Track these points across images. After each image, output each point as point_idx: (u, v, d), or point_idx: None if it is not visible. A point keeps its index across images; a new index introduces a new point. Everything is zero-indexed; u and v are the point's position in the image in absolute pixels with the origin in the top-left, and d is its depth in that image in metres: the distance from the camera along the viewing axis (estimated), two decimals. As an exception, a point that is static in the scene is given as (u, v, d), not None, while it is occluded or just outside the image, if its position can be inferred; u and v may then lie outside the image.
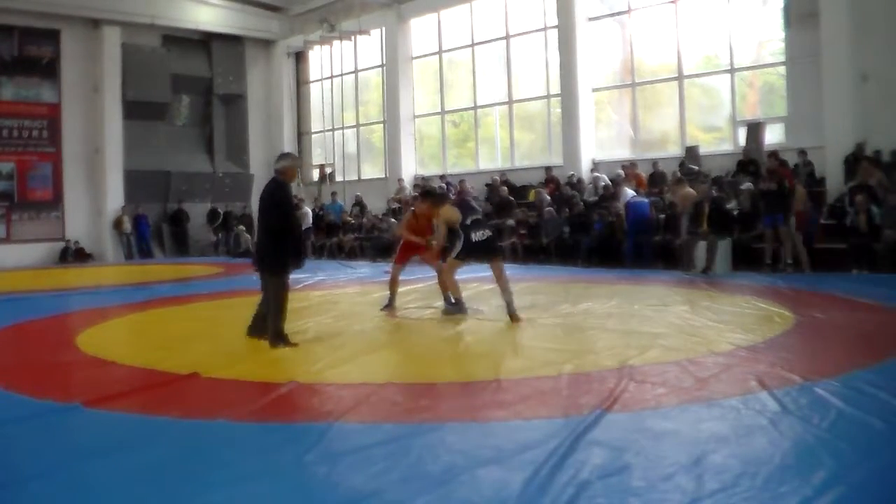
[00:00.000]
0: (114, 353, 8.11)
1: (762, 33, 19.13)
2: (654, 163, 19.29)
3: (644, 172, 19.32)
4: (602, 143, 21.63)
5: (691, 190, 15.27)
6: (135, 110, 27.14)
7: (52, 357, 8.21)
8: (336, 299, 12.32)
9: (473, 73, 24.81)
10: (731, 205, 15.93)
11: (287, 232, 7.97)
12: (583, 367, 6.58)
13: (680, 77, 19.99)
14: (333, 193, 25.91)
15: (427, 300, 11.63)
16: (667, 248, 16.04)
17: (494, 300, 11.35)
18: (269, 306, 8.06)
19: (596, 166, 20.85)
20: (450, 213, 9.97)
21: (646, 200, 16.95)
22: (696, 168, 17.87)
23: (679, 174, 16.80)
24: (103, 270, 22.03)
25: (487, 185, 22.60)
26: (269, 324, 8.07)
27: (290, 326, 9.52)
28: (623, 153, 21.05)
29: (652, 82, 20.89)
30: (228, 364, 7.29)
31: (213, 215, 28.25)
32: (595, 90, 21.53)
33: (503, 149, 24.36)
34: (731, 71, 19.10)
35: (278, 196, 8.06)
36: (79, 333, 9.57)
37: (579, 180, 20.28)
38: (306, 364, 7.16)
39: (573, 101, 21.22)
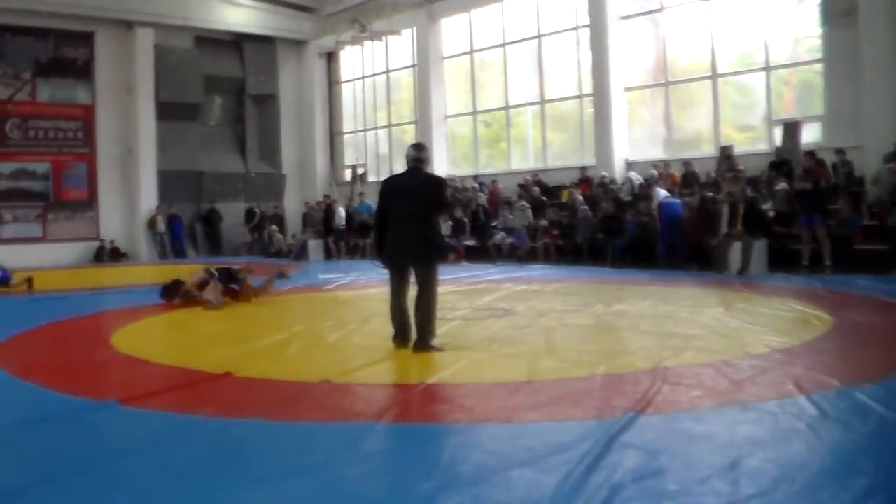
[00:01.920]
0: (148, 351, 8.19)
1: (798, 30, 18.93)
2: (687, 162, 19.14)
3: (677, 172, 19.19)
4: (635, 143, 21.51)
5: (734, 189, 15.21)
6: (168, 111, 27.39)
7: (87, 355, 8.30)
8: (368, 298, 12.36)
9: (505, 72, 24.76)
10: (767, 205, 15.78)
11: (436, 221, 8.05)
12: (616, 369, 6.54)
13: (714, 76, 19.83)
14: (361, 194, 25.96)
15: (459, 303, 11.61)
16: (701, 249, 15.90)
17: (527, 301, 11.34)
18: (425, 303, 7.78)
19: (629, 166, 20.74)
20: None
21: (678, 201, 16.83)
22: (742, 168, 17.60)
23: (722, 173, 16.80)
24: (137, 270, 22.23)
25: (520, 185, 22.56)
26: (426, 322, 7.80)
27: (326, 326, 9.58)
28: (656, 153, 20.92)
29: (685, 81, 20.73)
30: (261, 363, 7.34)
31: (249, 215, 28.41)
32: (627, 89, 21.41)
33: (535, 149, 24.30)
34: (767, 69, 18.91)
35: (437, 184, 8.06)
36: (114, 332, 9.66)
37: (612, 180, 20.17)
38: (339, 363, 7.17)
39: (605, 100, 21.13)
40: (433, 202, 7.84)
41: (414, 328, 7.84)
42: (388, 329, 8.00)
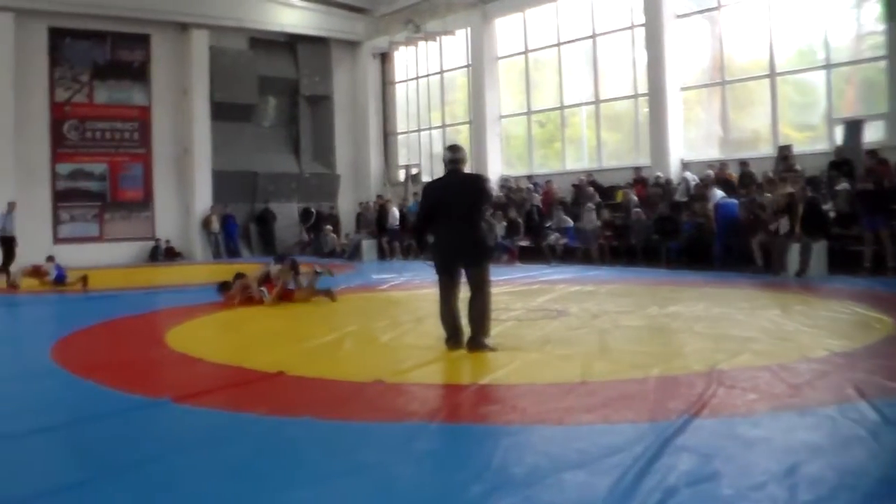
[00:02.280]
0: (201, 350, 8.29)
1: (860, 27, 18.57)
2: (744, 163, 18.84)
3: (734, 173, 18.93)
4: (691, 143, 21.28)
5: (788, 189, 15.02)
6: (222, 112, 27.71)
7: (142, 353, 8.43)
8: (421, 298, 12.41)
9: (559, 72, 24.66)
10: (827, 206, 15.52)
11: (482, 221, 8.21)
12: (670, 371, 6.49)
13: (772, 74, 19.52)
14: (415, 194, 26.01)
15: (513, 303, 11.60)
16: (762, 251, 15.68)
17: (581, 302, 11.29)
18: (480, 304, 7.88)
19: (684, 166, 20.53)
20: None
21: (735, 201, 16.62)
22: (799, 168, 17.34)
23: (779, 173, 16.58)
24: (191, 269, 22.52)
25: (574, 185, 22.46)
26: (481, 322, 7.88)
27: (379, 326, 9.64)
28: (712, 153, 20.67)
29: (743, 80, 20.44)
30: (314, 362, 7.41)
31: (305, 215, 28.65)
32: (683, 89, 21.19)
33: (590, 149, 24.16)
34: (828, 66, 18.57)
35: (477, 179, 8.18)
36: (168, 330, 9.82)
37: (667, 181, 19.99)
38: (393, 363, 7.21)
39: (661, 100, 20.94)
40: (477, 200, 7.91)
41: (467, 328, 7.87)
42: (442, 330, 8.02)
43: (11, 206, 19.05)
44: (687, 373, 6.41)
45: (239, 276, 13.08)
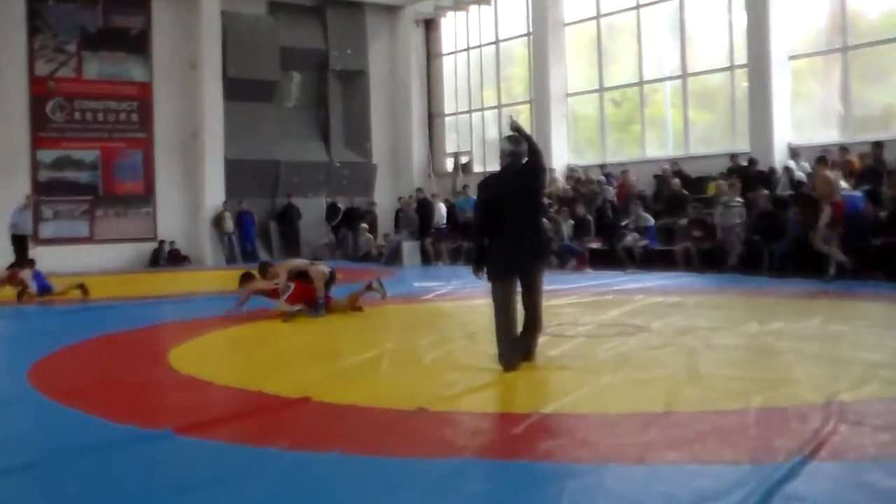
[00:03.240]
0: (212, 371, 8.35)
1: None
2: (878, 144, 18.34)
3: (858, 159, 18.57)
4: (801, 124, 21.01)
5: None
6: (237, 90, 27.92)
7: (139, 375, 8.47)
8: (473, 310, 12.41)
9: (639, 41, 24.54)
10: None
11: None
12: (776, 401, 6.39)
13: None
14: (465, 186, 26.02)
15: (581, 317, 11.55)
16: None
17: (665, 316, 11.19)
18: (538, 313, 8.08)
19: (792, 152, 20.24)
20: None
21: (859, 194, 16.34)
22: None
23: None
24: (201, 275, 22.71)
25: (656, 176, 22.31)
26: (538, 333, 8.14)
27: (422, 343, 9.63)
28: (829, 135, 20.41)
29: (871, 44, 20.13)
30: (346, 386, 7.42)
31: (332, 211, 28.83)
32: (792, 58, 20.92)
33: (675, 132, 24.01)
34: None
35: (536, 165, 8.26)
36: (172, 348, 9.87)
37: (771, 170, 19.72)
38: (439, 388, 7.20)
39: (764, 72, 20.67)
40: (536, 189, 8.13)
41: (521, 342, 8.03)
42: (492, 349, 8.06)
43: (28, 201, 19.09)
44: (797, 404, 6.30)
45: (247, 276, 13.15)
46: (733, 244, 17.54)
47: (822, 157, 16.68)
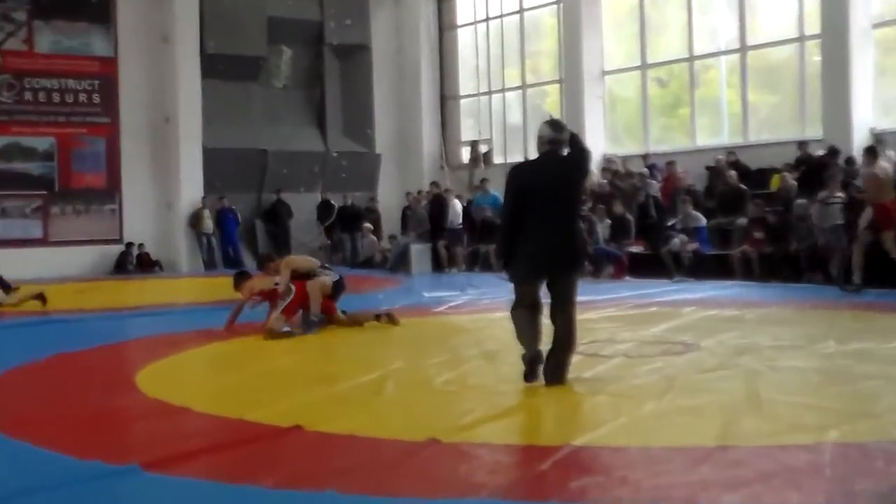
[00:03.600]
0: (186, 396, 8.32)
1: None
2: None
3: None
4: (888, 106, 20.96)
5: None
6: (218, 67, 27.97)
7: (102, 401, 8.48)
8: (493, 324, 12.41)
9: (689, 8, 24.51)
10: None
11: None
12: (857, 436, 6.33)
13: None
14: (484, 181, 25.93)
15: (619, 333, 11.53)
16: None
17: (718, 333, 11.15)
18: (570, 324, 8.22)
19: (876, 139, 20.13)
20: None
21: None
22: None
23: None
24: (175, 284, 22.76)
25: (709, 168, 22.25)
26: (570, 349, 8.26)
27: (433, 363, 9.61)
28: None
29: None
30: (344, 413, 7.40)
31: (324, 209, 28.85)
32: (877, 26, 20.84)
33: (732, 116, 23.98)
34: None
35: (580, 157, 8.44)
36: (140, 369, 9.86)
37: (849, 160, 19.61)
38: (452, 415, 7.19)
39: (841, 43, 20.54)
40: (576, 184, 8.34)
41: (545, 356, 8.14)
42: (520, 366, 8.07)
43: None
44: (883, 439, 6.25)
45: (242, 275, 13.17)
46: (834, 249, 17.26)
47: (871, 149, 16.47)
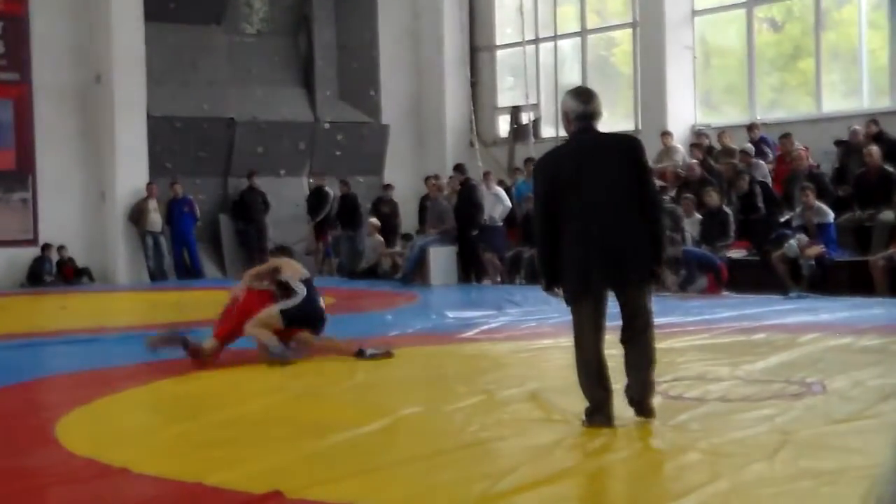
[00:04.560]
0: (125, 452, 8.30)
1: None
2: None
3: None
4: None
5: None
6: (168, 6, 28.20)
7: (8, 461, 8.44)
8: (534, 357, 12.50)
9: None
10: None
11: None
12: None
13: None
14: (528, 161, 25.90)
15: (715, 368, 11.54)
16: None
17: (851, 368, 11.11)
18: (645, 344, 8.41)
19: None
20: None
21: None
22: None
23: None
24: (109, 300, 22.80)
25: (840, 142, 22.17)
26: (650, 372, 8.52)
27: (459, 407, 9.62)
28: None
29: None
30: (338, 475, 7.38)
31: (316, 198, 28.94)
32: None
33: (875, 71, 23.98)
34: None
35: (639, 154, 8.62)
36: (61, 416, 9.86)
37: None
38: (484, 479, 7.13)
39: None
40: (631, 176, 8.39)
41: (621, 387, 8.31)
42: (576, 403, 8.13)
43: None
44: None
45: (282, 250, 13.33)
46: None
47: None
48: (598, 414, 8.20)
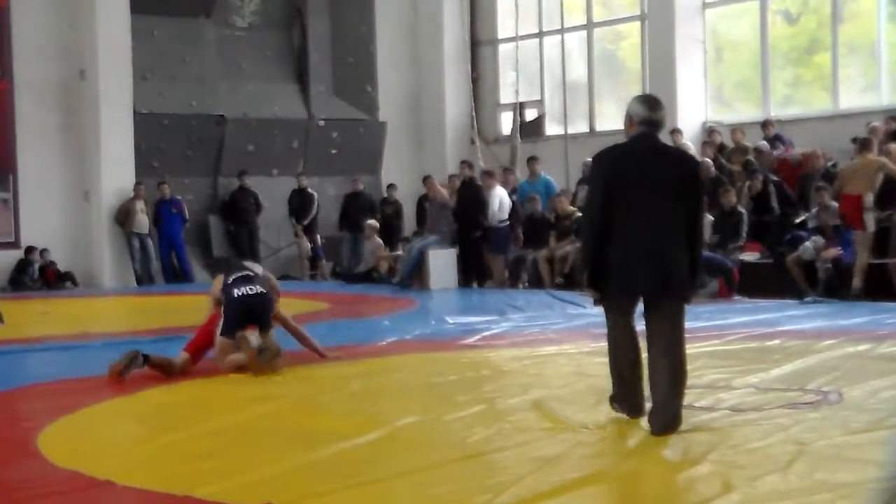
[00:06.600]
0: (110, 464, 8.32)
1: None
2: None
3: None
4: None
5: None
6: (155, 0, 28.11)
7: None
8: (538, 365, 12.50)
9: None
10: None
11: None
12: None
13: None
14: (532, 160, 25.87)
15: (726, 376, 11.54)
16: None
17: (870, 378, 11.11)
18: (677, 362, 8.56)
19: None
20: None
21: None
22: None
23: None
24: (94, 305, 22.78)
25: (856, 140, 22.15)
26: (679, 390, 8.70)
27: (460, 416, 9.62)
28: None
29: None
30: (332, 489, 7.39)
31: (300, 200, 28.97)
32: None
33: (893, 65, 24.00)
34: None
35: (688, 167, 8.86)
36: (43, 427, 9.86)
37: None
38: (485, 493, 7.12)
39: None
40: (687, 198, 8.52)
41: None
42: (581, 413, 8.11)
43: None
44: None
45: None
46: None
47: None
48: (629, 401, 8.53)
